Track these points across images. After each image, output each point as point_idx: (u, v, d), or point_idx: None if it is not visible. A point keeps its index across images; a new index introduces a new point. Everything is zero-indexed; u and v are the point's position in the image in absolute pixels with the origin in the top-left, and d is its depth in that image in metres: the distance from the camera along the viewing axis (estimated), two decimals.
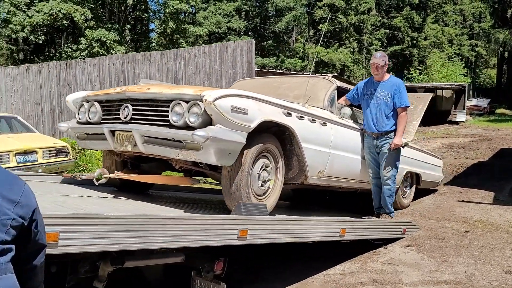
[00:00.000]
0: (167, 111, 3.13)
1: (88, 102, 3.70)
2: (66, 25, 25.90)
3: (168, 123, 3.13)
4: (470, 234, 4.93)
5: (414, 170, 5.78)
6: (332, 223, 3.91)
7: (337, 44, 37.14)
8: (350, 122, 4.57)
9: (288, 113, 3.53)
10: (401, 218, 5.62)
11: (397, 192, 5.53)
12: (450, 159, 10.42)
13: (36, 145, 6.71)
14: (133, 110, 3.31)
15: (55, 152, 6.87)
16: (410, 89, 20.09)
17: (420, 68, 35.72)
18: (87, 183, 4.25)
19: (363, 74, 39.49)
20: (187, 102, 3.04)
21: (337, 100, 4.63)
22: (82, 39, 25.26)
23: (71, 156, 7.20)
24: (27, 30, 25.28)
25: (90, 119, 3.62)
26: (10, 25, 25.77)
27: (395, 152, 4.62)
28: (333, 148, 4.11)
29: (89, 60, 10.41)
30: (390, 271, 4.01)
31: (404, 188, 5.81)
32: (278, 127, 3.54)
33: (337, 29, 37.28)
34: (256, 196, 3.40)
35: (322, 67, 38.77)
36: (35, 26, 25.63)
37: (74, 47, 25.76)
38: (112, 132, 3.40)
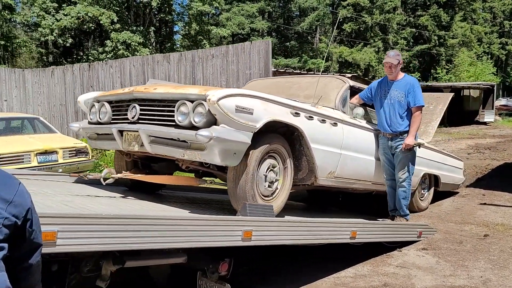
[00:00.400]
0: (173, 111, 3.14)
1: (99, 102, 3.74)
2: (92, 28, 26.41)
3: (174, 123, 3.14)
4: (490, 238, 4.77)
5: (432, 171, 5.64)
6: (342, 225, 3.84)
7: (361, 43, 36.70)
8: (363, 123, 4.49)
9: (296, 113, 3.49)
10: (418, 220, 5.49)
11: (414, 194, 5.41)
12: (475, 160, 10.14)
13: (56, 146, 6.85)
14: (141, 110, 3.34)
15: (75, 152, 7.00)
16: (435, 89, 19.71)
17: (447, 67, 34.95)
18: (100, 183, 4.34)
19: None
20: (192, 102, 3.04)
21: (350, 100, 4.57)
22: (108, 42, 25.74)
23: (90, 156, 7.32)
24: (56, 33, 25.93)
25: (100, 119, 3.66)
26: (40, 29, 26.53)
27: (410, 153, 4.51)
28: (344, 149, 4.04)
29: (111, 62, 10.58)
30: (402, 274, 3.92)
31: (422, 190, 5.68)
32: (287, 127, 3.51)
33: (361, 28, 36.86)
34: (262, 197, 3.37)
35: (346, 67, 38.40)
36: (63, 29, 26.27)
37: (100, 49, 26.26)
38: (121, 132, 3.43)
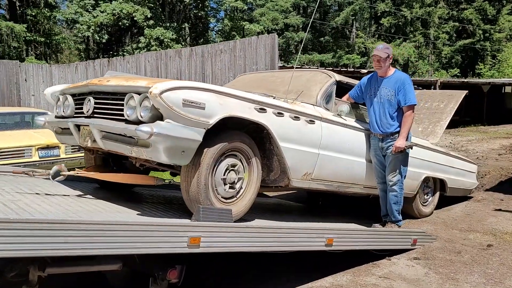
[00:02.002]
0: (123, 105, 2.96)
1: (63, 95, 3.63)
2: (127, 24, 26.88)
3: (124, 118, 2.96)
4: (493, 248, 4.34)
5: (437, 175, 5.22)
6: (315, 232, 3.55)
7: (401, 39, 35.52)
8: (351, 121, 4.16)
9: (261, 108, 3.23)
10: (421, 226, 5.10)
11: (414, 199, 5.02)
12: (504, 162, 9.48)
13: None
14: (95, 103, 3.19)
15: (77, 147, 6.99)
16: (471, 86, 18.68)
17: (491, 62, 33.24)
18: (75, 180, 4.25)
19: (429, 70, 37.55)
20: (140, 95, 2.85)
21: (342, 98, 4.27)
22: (142, 38, 26.14)
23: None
24: (92, 29, 26.62)
25: (63, 113, 3.54)
26: (77, 25, 27.31)
27: (402, 155, 4.15)
28: (323, 149, 3.75)
29: (128, 58, 10.62)
30: (383, 286, 3.59)
31: (424, 195, 5.26)
32: (256, 124, 3.26)
33: (400, 23, 35.66)
34: (221, 199, 3.15)
35: None
36: (99, 26, 26.91)
37: (134, 45, 26.70)
38: (78, 126, 3.30)
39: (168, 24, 27.19)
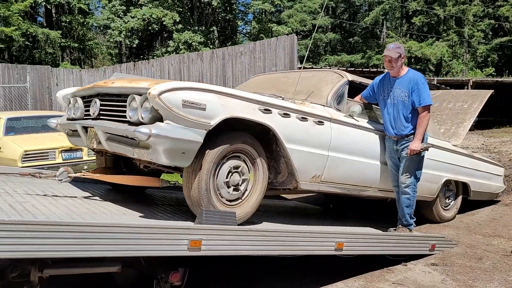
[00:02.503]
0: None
1: (74, 97, 3.68)
2: (157, 29, 27.32)
3: (127, 120, 2.97)
4: None
5: (459, 178, 5.01)
6: (325, 235, 3.47)
7: (433, 38, 34.66)
8: (364, 122, 4.04)
9: (266, 109, 3.18)
10: (442, 231, 4.92)
11: (435, 203, 4.85)
12: None
13: None
14: (101, 105, 3.22)
15: None
16: (507, 85, 17.97)
17: None
18: (89, 182, 4.30)
19: (464, 70, 36.47)
20: (141, 96, 2.85)
21: (354, 98, 4.16)
22: (171, 42, 26.50)
23: None
24: (124, 35, 27.24)
25: (74, 115, 3.59)
26: (109, 31, 28.00)
27: (417, 157, 4.00)
28: (333, 150, 3.65)
29: (152, 61, 10.77)
30: None
31: (446, 199, 5.06)
32: (262, 125, 3.21)
33: (432, 21, 34.80)
34: (225, 202, 3.11)
35: (415, 63, 36.53)
36: (130, 31, 27.49)
37: (164, 49, 27.10)
38: (85, 128, 3.34)
39: (196, 28, 27.47)
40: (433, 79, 16.70)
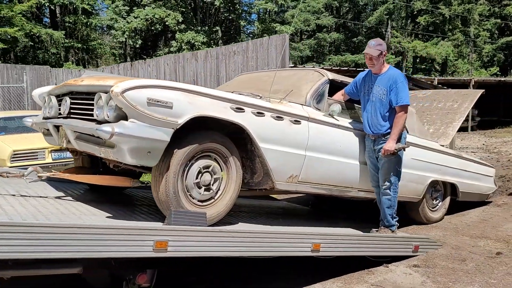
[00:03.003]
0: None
1: (48, 96, 3.64)
2: (159, 29, 27.37)
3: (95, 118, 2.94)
4: (502, 256, 4.05)
5: (447, 179, 4.92)
6: (300, 236, 3.41)
7: (439, 37, 34.39)
8: (345, 122, 3.96)
9: (238, 108, 3.13)
10: (430, 232, 4.84)
11: (421, 203, 4.77)
12: None
13: None
14: (71, 104, 3.19)
15: None
16: (509, 85, 17.70)
17: None
18: (70, 182, 4.27)
19: (470, 69, 36.18)
20: (107, 94, 2.81)
21: (335, 95, 4.10)
22: (173, 42, 26.53)
23: None
24: (127, 35, 27.33)
25: (48, 114, 3.55)
26: (112, 31, 28.10)
27: (394, 157, 3.91)
28: (311, 150, 3.59)
29: (149, 61, 10.76)
30: None
31: (433, 200, 4.97)
32: (235, 125, 3.16)
33: (437, 21, 34.54)
34: (197, 203, 3.06)
35: (420, 62, 36.30)
36: (134, 31, 27.56)
37: (166, 49, 27.14)
38: (57, 127, 3.31)
39: (199, 28, 27.48)
40: (434, 79, 16.54)
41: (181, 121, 2.82)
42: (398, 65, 34.36)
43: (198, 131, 2.99)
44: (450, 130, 5.11)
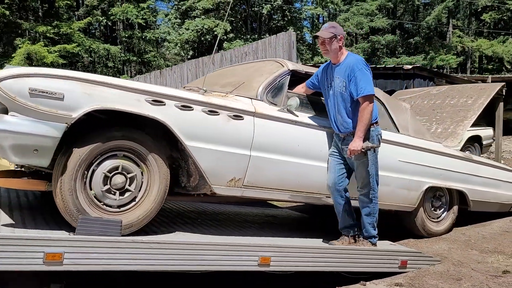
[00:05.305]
0: None
1: None
2: (209, 39, 27.69)
3: None
4: (508, 276, 3.32)
5: (451, 185, 4.18)
6: (245, 248, 2.96)
7: (505, 34, 31.88)
8: (306, 118, 3.38)
9: (156, 100, 2.73)
10: (433, 245, 4.16)
11: (417, 214, 4.09)
12: None
13: None
14: None
15: None
16: None
17: None
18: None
19: None
20: None
21: (296, 88, 3.58)
22: (221, 51, 26.67)
23: None
24: (179, 46, 28.02)
25: None
26: (165, 43, 28.89)
27: (365, 159, 3.29)
28: (258, 150, 3.10)
29: (174, 68, 10.68)
30: None
31: (434, 210, 4.25)
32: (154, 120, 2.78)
33: (505, 17, 32.07)
34: (111, 209, 2.71)
35: (487, 62, 33.86)
36: (185, 42, 28.16)
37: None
38: None
39: (248, 36, 27.45)
40: (488, 77, 15.06)
41: (76, 114, 2.49)
42: (462, 66, 32.31)
43: (100, 128, 2.64)
44: (459, 129, 4.37)
